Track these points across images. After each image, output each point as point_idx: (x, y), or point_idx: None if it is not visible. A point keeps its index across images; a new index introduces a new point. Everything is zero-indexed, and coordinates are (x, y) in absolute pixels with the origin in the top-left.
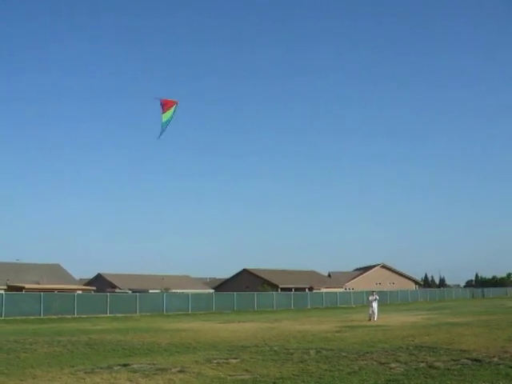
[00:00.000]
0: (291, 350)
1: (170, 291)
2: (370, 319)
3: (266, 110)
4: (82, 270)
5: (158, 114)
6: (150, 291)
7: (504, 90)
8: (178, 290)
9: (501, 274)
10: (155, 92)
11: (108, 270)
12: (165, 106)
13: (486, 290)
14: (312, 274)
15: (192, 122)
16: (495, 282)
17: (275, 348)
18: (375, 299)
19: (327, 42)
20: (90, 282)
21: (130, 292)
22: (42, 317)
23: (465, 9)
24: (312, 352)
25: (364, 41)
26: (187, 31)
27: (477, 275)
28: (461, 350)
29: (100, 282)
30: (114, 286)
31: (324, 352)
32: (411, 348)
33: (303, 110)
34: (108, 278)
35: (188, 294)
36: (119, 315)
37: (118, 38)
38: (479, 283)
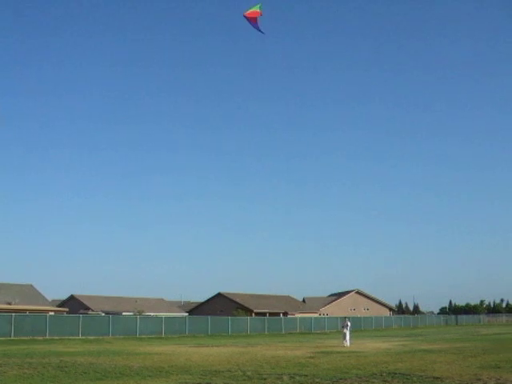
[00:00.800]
0: (264, 376)
1: (143, 314)
2: (343, 345)
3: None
4: (54, 290)
5: None
6: (124, 314)
7: None
8: (152, 313)
9: (474, 301)
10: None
11: (81, 291)
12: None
13: (459, 317)
14: (287, 299)
15: (169, 145)
16: (468, 309)
17: (248, 373)
18: (347, 325)
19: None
20: (62, 303)
21: (103, 314)
22: (12, 338)
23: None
24: (285, 378)
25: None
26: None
27: (450, 302)
28: (434, 377)
29: (73, 304)
30: (86, 308)
31: (297, 378)
32: (385, 375)
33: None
34: (81, 300)
35: (162, 317)
36: (92, 337)
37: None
38: (453, 310)
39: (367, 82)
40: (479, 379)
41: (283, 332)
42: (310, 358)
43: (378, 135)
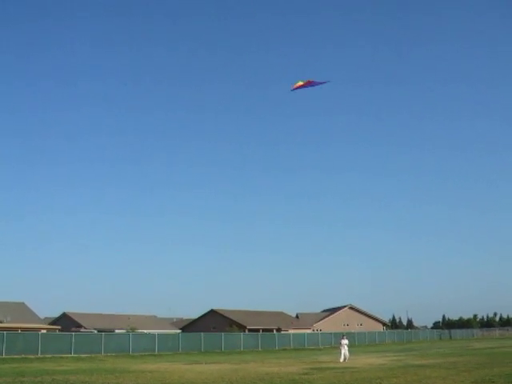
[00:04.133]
0: None
1: (136, 331)
2: (344, 360)
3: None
4: (47, 308)
5: None
6: (116, 331)
7: None
8: (145, 330)
9: (467, 315)
10: None
11: (74, 308)
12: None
13: (453, 331)
14: (280, 315)
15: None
16: (462, 324)
17: None
18: (342, 343)
19: None
20: (55, 321)
21: (96, 332)
22: (4, 356)
23: None
24: None
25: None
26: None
27: (444, 316)
28: None
29: (65, 321)
30: (79, 326)
31: None
32: None
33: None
34: (73, 317)
35: (154, 335)
36: (84, 355)
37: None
38: (446, 324)
39: (367, 96)
40: None
41: (277, 348)
42: (304, 374)
43: (368, 148)
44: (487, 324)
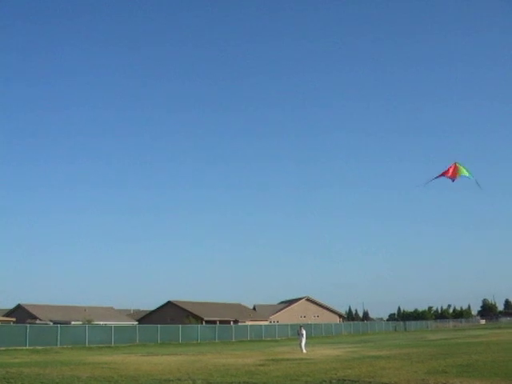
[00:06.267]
0: None
1: (92, 323)
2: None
3: None
4: (1, 300)
5: None
6: (72, 323)
7: None
8: (101, 322)
9: (422, 307)
10: None
11: (29, 300)
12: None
13: (408, 323)
14: (237, 307)
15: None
16: (417, 315)
17: (198, 382)
18: (302, 333)
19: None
20: (9, 313)
21: (51, 323)
22: None
23: None
24: None
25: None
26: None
27: (399, 308)
28: (382, 383)
29: (20, 313)
30: (34, 317)
31: None
32: (334, 381)
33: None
34: (28, 309)
35: (111, 326)
36: (39, 347)
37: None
38: (401, 316)
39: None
40: None
41: (234, 340)
42: (260, 365)
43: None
44: (441, 316)
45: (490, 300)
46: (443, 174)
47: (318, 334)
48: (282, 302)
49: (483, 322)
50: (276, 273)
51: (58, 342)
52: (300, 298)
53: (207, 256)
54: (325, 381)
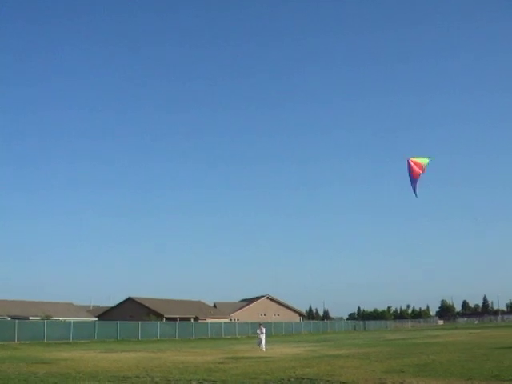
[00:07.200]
0: (173, 382)
1: (51, 319)
2: (261, 349)
3: None
4: None
5: None
6: (31, 318)
7: None
8: (60, 318)
9: (382, 307)
10: None
11: None
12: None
13: (367, 322)
14: (198, 304)
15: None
16: (376, 315)
17: (157, 379)
18: (262, 331)
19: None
20: None
21: (9, 318)
22: None
23: None
24: (194, 383)
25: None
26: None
27: (359, 308)
28: (340, 382)
29: None
30: None
31: (206, 383)
32: (292, 380)
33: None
34: None
35: (70, 322)
36: None
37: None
38: (361, 316)
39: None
40: (383, 383)
41: (194, 337)
42: (220, 363)
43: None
44: (400, 316)
45: (448, 301)
46: (415, 177)
47: (278, 333)
48: (242, 300)
49: (441, 322)
50: (237, 271)
51: (16, 338)
52: (261, 297)
53: (168, 253)
54: (283, 379)
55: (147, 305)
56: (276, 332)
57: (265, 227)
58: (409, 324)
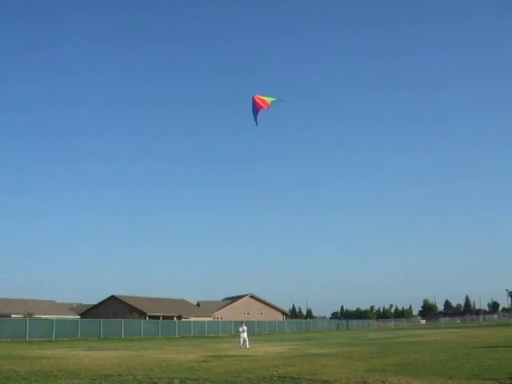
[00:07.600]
0: (155, 380)
1: (33, 316)
2: (241, 348)
3: None
4: None
5: None
6: (13, 316)
7: None
8: (42, 316)
9: (364, 306)
10: None
11: None
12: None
13: (350, 321)
14: (181, 303)
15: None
16: (359, 314)
17: (139, 377)
18: (244, 330)
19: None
20: None
21: None
22: None
23: None
24: (176, 382)
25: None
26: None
27: (342, 307)
28: (323, 381)
29: None
30: None
31: (188, 382)
32: (275, 378)
33: None
34: None
35: (52, 320)
36: None
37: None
38: (344, 315)
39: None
40: (365, 382)
41: (177, 336)
42: (202, 361)
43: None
44: (383, 315)
45: (431, 301)
46: (258, 110)
47: (261, 331)
48: (226, 299)
49: (423, 321)
50: (220, 269)
51: None
52: (244, 295)
53: (152, 251)
54: (266, 377)
55: (130, 303)
56: (259, 331)
57: (248, 226)
58: (391, 323)
